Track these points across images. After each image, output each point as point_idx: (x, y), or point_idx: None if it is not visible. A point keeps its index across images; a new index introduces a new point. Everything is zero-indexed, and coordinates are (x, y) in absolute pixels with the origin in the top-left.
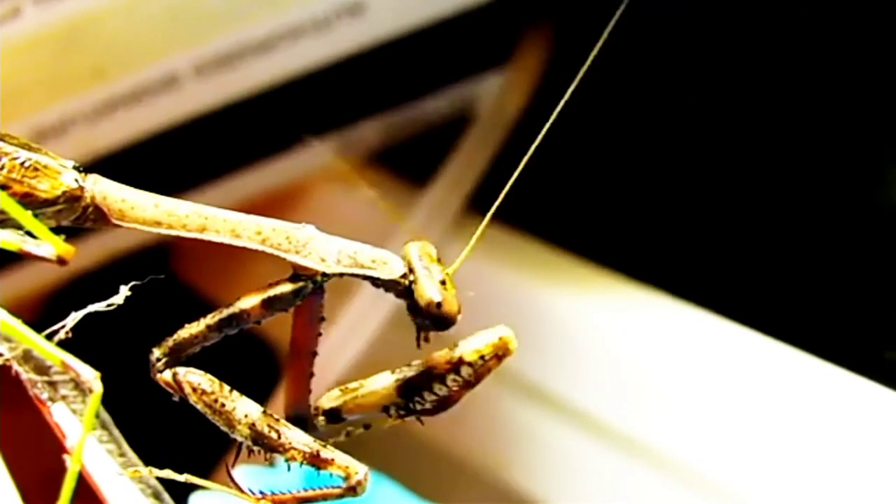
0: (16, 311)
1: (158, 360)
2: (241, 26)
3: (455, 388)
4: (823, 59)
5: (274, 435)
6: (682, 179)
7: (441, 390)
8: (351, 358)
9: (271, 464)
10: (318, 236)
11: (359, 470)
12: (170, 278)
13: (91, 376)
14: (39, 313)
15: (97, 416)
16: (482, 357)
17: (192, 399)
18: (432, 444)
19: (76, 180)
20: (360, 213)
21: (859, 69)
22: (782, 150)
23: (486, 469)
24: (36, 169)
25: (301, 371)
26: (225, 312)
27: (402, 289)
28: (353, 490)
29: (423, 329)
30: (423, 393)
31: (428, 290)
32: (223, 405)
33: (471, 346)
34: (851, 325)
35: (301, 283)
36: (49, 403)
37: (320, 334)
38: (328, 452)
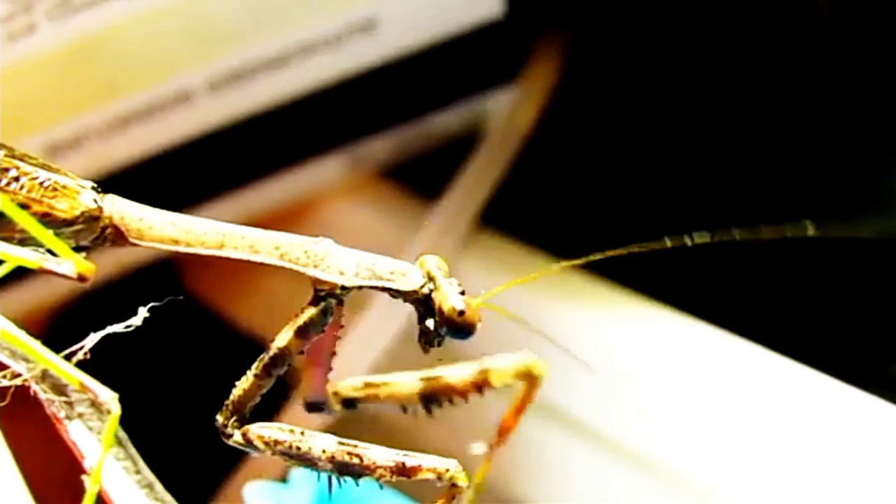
0: (23, 325)
1: (224, 425)
2: (254, 42)
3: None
4: (823, 64)
5: (356, 461)
6: (692, 192)
7: (460, 402)
8: (363, 370)
9: (285, 479)
10: (335, 250)
11: (449, 466)
12: (177, 289)
13: (109, 397)
14: (47, 327)
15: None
16: (507, 385)
17: (269, 453)
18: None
19: (95, 200)
20: (371, 228)
21: (859, 74)
22: (790, 161)
23: (487, 478)
24: (55, 189)
25: (321, 368)
26: (267, 357)
27: (420, 299)
28: (455, 486)
29: (435, 339)
30: (442, 402)
31: (451, 298)
32: (299, 448)
33: (497, 370)
34: (856, 339)
35: (324, 302)
36: (66, 421)
37: (339, 337)
38: (413, 460)
